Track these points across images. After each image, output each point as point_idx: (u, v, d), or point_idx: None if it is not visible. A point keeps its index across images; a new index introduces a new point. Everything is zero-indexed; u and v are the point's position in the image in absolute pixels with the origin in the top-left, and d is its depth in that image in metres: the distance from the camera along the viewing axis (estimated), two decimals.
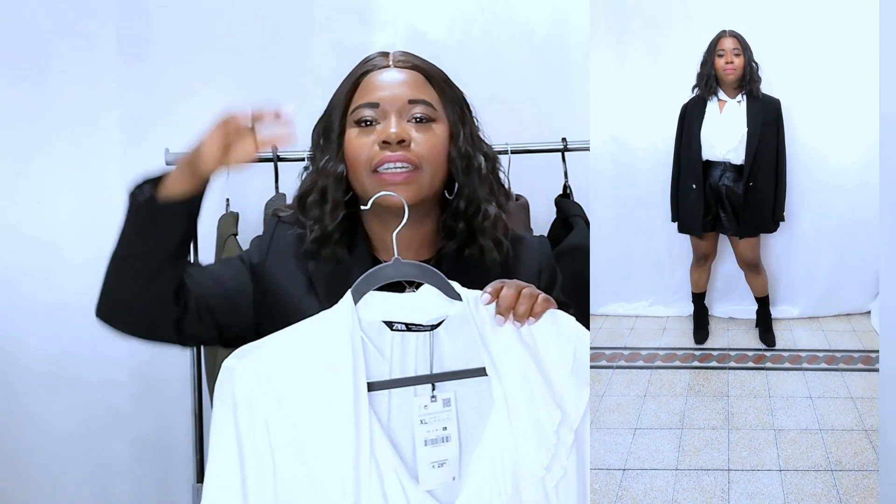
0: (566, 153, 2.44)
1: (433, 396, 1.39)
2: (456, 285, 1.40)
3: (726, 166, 2.43)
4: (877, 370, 2.27)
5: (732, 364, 2.42)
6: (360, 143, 1.56)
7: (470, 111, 1.66)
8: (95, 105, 2.67)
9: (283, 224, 1.64)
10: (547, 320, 1.41)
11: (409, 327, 1.40)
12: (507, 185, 1.70)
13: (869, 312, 2.55)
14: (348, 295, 1.37)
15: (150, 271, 1.42)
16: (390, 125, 1.55)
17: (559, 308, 1.43)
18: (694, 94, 2.44)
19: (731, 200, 2.43)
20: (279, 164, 2.35)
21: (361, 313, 1.38)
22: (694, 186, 2.43)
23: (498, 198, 1.64)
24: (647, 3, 2.47)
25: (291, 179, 1.74)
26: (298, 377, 1.32)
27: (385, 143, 1.53)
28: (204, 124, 2.57)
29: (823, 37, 2.39)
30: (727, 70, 2.38)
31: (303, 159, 1.72)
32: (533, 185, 2.46)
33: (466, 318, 1.38)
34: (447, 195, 1.62)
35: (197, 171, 1.40)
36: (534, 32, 2.76)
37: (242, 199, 2.43)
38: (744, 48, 2.38)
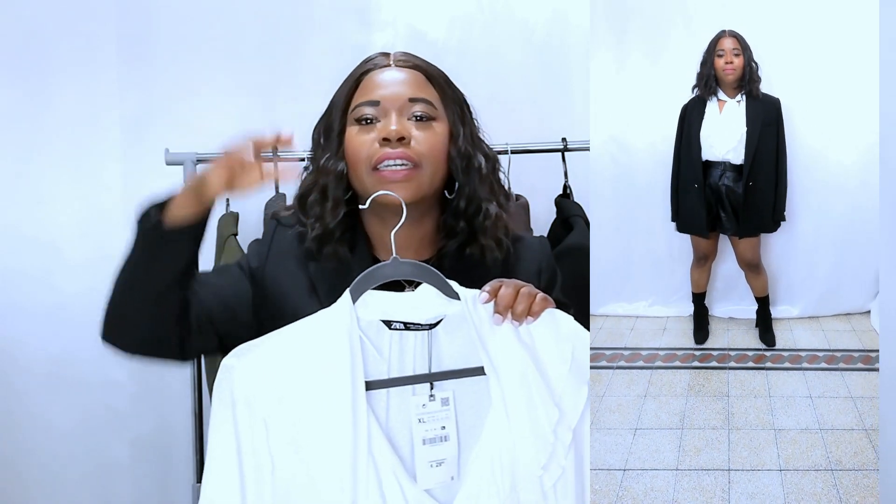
0: (566, 153, 2.44)
1: (431, 395, 1.39)
2: (454, 284, 1.40)
3: (726, 166, 2.43)
4: (876, 370, 2.28)
5: (732, 364, 2.42)
6: (360, 141, 1.56)
7: (470, 112, 1.66)
8: (95, 105, 2.67)
9: (282, 227, 1.64)
10: (545, 319, 1.41)
11: (408, 326, 1.40)
12: (507, 186, 1.70)
13: (869, 312, 2.55)
14: (347, 294, 1.37)
15: (158, 295, 1.43)
16: (391, 122, 1.55)
17: (558, 308, 1.44)
18: (694, 95, 2.44)
19: (730, 200, 2.43)
20: (279, 164, 2.35)
21: (360, 312, 1.38)
22: (696, 186, 2.43)
23: (498, 198, 1.64)
24: (647, 3, 2.47)
25: (291, 179, 1.73)
26: (297, 376, 1.32)
27: (385, 141, 1.53)
28: (204, 124, 2.60)
29: (823, 37, 2.39)
30: (727, 70, 2.38)
31: (303, 159, 1.73)
32: (533, 185, 2.46)
33: (465, 317, 1.39)
34: (447, 195, 1.62)
35: (202, 197, 1.41)
36: (534, 32, 2.76)
37: (242, 199, 2.43)
38: (743, 48, 2.38)
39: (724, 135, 2.41)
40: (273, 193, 2.35)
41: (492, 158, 1.65)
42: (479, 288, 1.41)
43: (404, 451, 1.38)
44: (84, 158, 2.68)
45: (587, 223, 2.31)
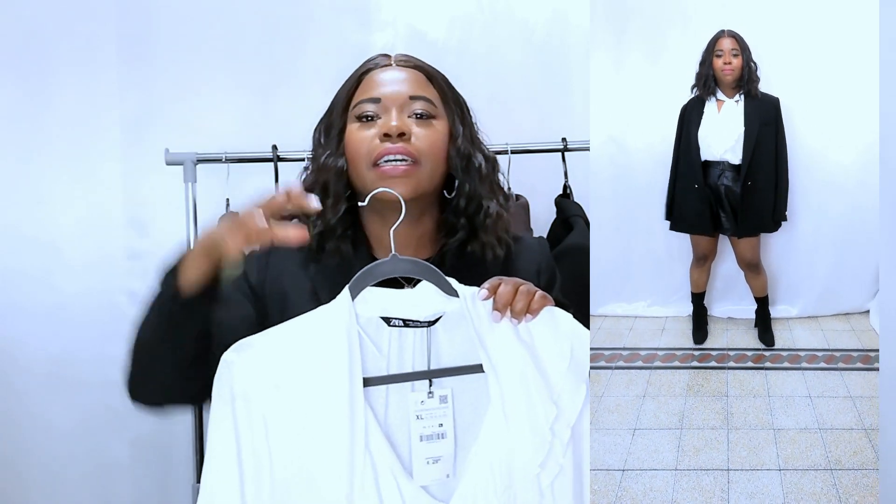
0: (566, 153, 2.44)
1: (430, 392, 1.39)
2: (453, 282, 1.40)
3: (725, 166, 2.44)
4: (876, 369, 2.28)
5: (731, 364, 2.42)
6: (360, 137, 1.57)
7: (469, 114, 1.67)
8: (95, 105, 2.67)
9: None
10: (544, 317, 1.41)
11: (407, 323, 1.40)
12: (505, 188, 1.71)
13: (868, 312, 2.55)
14: (346, 290, 1.38)
15: (181, 355, 1.41)
16: (391, 118, 1.56)
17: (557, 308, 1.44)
18: (693, 95, 2.44)
19: (729, 200, 2.43)
20: (279, 164, 2.36)
21: (359, 309, 1.38)
22: (696, 186, 2.43)
23: (498, 197, 1.65)
24: (647, 4, 2.48)
25: (291, 179, 1.74)
26: (295, 371, 1.32)
27: (386, 136, 1.54)
28: (204, 124, 2.60)
29: (823, 36, 2.39)
30: (725, 70, 2.39)
31: (302, 159, 1.73)
32: (533, 185, 2.46)
33: (464, 314, 1.39)
34: (446, 194, 1.62)
35: (216, 260, 1.38)
36: (534, 32, 2.76)
37: (242, 199, 2.43)
38: (742, 48, 2.38)
39: (722, 135, 2.41)
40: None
41: (491, 159, 1.66)
42: (479, 287, 1.41)
43: (402, 448, 1.38)
44: (84, 158, 2.68)
45: (587, 223, 2.31)
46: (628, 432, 2.15)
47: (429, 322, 1.41)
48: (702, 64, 2.42)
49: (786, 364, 2.41)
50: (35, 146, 2.67)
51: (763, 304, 2.51)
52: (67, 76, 2.67)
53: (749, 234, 2.46)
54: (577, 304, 1.57)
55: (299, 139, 1.72)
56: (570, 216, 2.36)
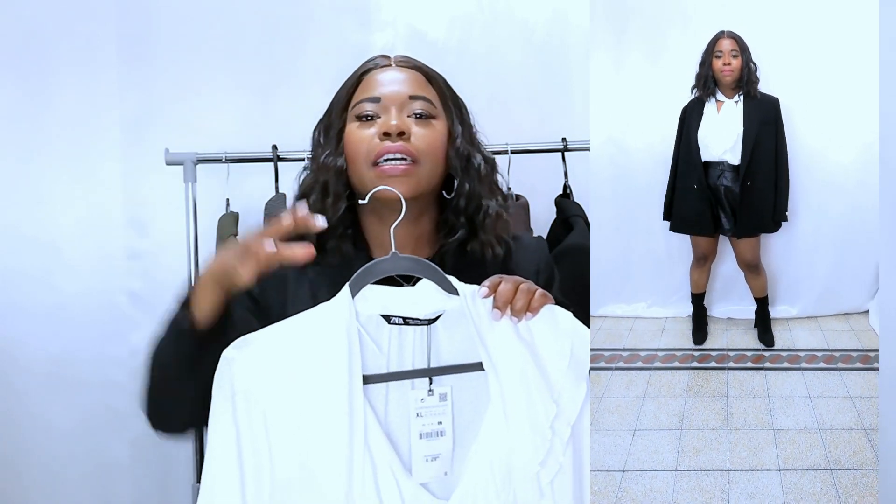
0: (566, 153, 2.44)
1: (430, 390, 1.39)
2: (453, 280, 1.41)
3: (724, 166, 2.44)
4: (875, 369, 2.28)
5: (731, 364, 2.42)
6: (360, 136, 1.57)
7: (468, 115, 1.67)
8: (95, 105, 2.67)
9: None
10: (544, 316, 1.41)
11: (407, 321, 1.40)
12: (504, 189, 1.71)
13: (867, 312, 2.55)
14: (346, 288, 1.38)
15: (200, 385, 1.39)
16: (391, 118, 1.56)
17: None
18: (693, 96, 2.45)
19: (729, 200, 2.44)
20: (279, 164, 2.36)
21: (359, 307, 1.38)
22: (695, 187, 2.43)
23: (497, 197, 1.65)
24: (647, 4, 2.48)
25: (291, 179, 1.74)
26: (296, 368, 1.32)
27: (385, 135, 1.54)
28: (204, 124, 2.60)
29: (822, 36, 2.39)
30: (724, 72, 2.39)
31: (302, 159, 1.73)
32: (533, 185, 2.46)
33: (464, 312, 1.39)
34: (445, 195, 1.62)
35: (228, 289, 1.39)
36: (534, 32, 2.76)
37: (242, 199, 2.44)
38: (742, 49, 2.38)
39: (722, 135, 2.41)
40: (273, 194, 2.35)
41: (490, 160, 1.67)
42: (479, 285, 1.42)
43: (402, 446, 1.38)
44: (84, 158, 2.68)
45: (587, 223, 2.31)
46: (628, 433, 2.15)
47: (429, 320, 1.41)
48: (701, 65, 2.42)
49: (785, 364, 2.41)
50: (35, 146, 2.67)
51: (763, 304, 2.52)
52: (67, 76, 2.66)
53: (748, 234, 2.46)
54: (578, 304, 1.57)
55: (299, 139, 1.72)
56: (570, 216, 2.36)
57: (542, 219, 2.44)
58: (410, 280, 1.45)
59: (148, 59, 2.68)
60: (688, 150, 2.43)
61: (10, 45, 2.65)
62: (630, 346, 2.47)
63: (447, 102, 1.63)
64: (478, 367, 1.39)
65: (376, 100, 1.59)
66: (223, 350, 1.37)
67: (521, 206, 2.37)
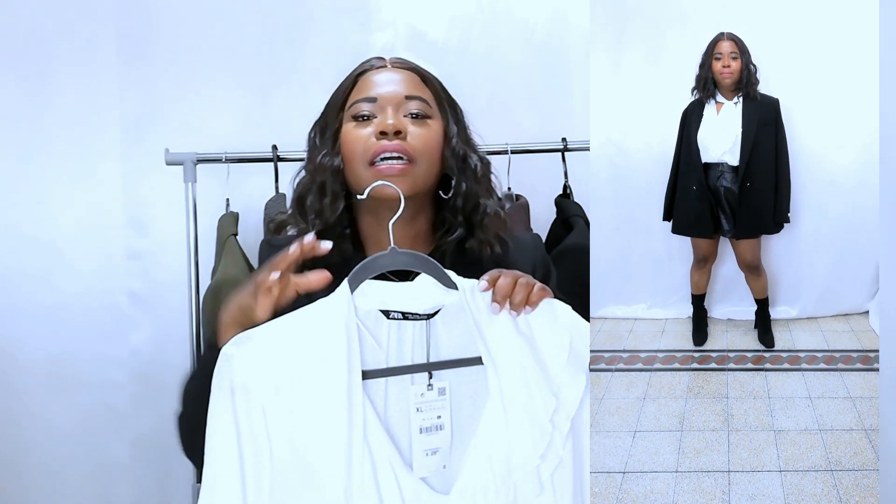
0: (566, 153, 2.44)
1: (430, 385, 1.39)
2: (452, 274, 1.41)
3: (724, 168, 2.44)
4: (875, 370, 2.28)
5: (731, 365, 2.42)
6: (356, 136, 1.58)
7: (463, 116, 1.68)
8: (95, 105, 2.66)
9: (275, 247, 1.66)
10: (543, 309, 1.41)
11: (406, 316, 1.40)
12: (498, 190, 1.71)
13: (867, 312, 2.55)
14: (345, 283, 1.38)
15: None
16: (387, 117, 1.57)
17: None
18: (693, 97, 2.45)
19: (729, 202, 2.44)
20: (279, 164, 2.36)
21: (358, 302, 1.38)
22: (694, 188, 2.43)
23: (493, 197, 1.65)
24: (647, 4, 2.48)
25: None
26: (295, 364, 1.32)
27: (382, 134, 1.55)
28: (204, 124, 2.60)
29: (822, 37, 2.40)
30: (724, 73, 2.39)
31: (302, 159, 1.73)
32: (533, 185, 2.46)
33: (463, 307, 1.39)
34: (442, 195, 1.63)
35: (246, 325, 1.39)
36: (534, 32, 2.76)
37: (242, 199, 2.44)
38: (741, 51, 2.38)
39: (721, 136, 2.41)
40: (273, 194, 2.35)
41: (485, 161, 1.67)
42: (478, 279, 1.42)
43: (402, 441, 1.38)
44: (84, 158, 2.67)
45: (587, 223, 2.31)
46: (629, 434, 2.15)
47: (428, 315, 1.41)
48: (701, 67, 2.43)
49: (786, 365, 2.41)
50: (35, 146, 2.66)
51: (763, 305, 2.52)
52: (67, 76, 2.66)
53: (748, 235, 2.46)
54: (578, 303, 1.57)
55: (299, 139, 1.72)
56: (570, 216, 2.36)
57: (542, 219, 2.44)
58: (408, 277, 1.45)
59: (148, 59, 2.68)
60: (688, 152, 2.44)
61: (10, 45, 2.65)
62: (630, 347, 2.48)
63: (442, 103, 1.64)
64: (477, 361, 1.39)
65: (373, 100, 1.59)
66: None
67: (521, 206, 2.37)
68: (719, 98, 2.42)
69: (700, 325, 2.55)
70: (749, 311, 2.56)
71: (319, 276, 1.36)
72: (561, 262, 1.97)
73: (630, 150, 2.54)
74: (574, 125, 2.48)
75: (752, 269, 2.50)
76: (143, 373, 2.69)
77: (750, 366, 2.42)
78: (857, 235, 2.47)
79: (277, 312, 1.38)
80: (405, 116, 1.58)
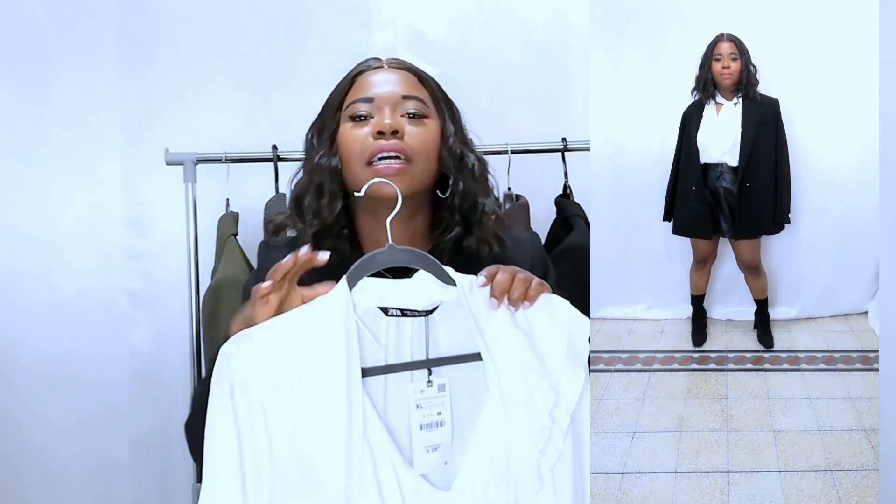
0: (566, 153, 2.44)
1: (429, 381, 1.39)
2: (450, 270, 1.41)
3: (724, 168, 2.44)
4: (875, 370, 2.28)
5: (731, 366, 2.42)
6: (354, 136, 1.58)
7: (460, 116, 1.68)
8: (95, 105, 2.67)
9: (273, 249, 1.66)
10: (541, 304, 1.41)
11: (405, 313, 1.41)
12: (495, 190, 1.72)
13: (866, 312, 2.55)
14: (343, 281, 1.38)
15: None
16: (384, 117, 1.57)
17: None
18: (693, 98, 2.45)
19: (728, 202, 2.43)
20: (279, 164, 2.36)
21: (356, 299, 1.38)
22: (693, 189, 2.43)
23: (490, 196, 1.66)
24: (646, 4, 2.48)
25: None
26: (294, 362, 1.32)
27: (379, 134, 1.55)
28: (204, 124, 2.60)
29: (822, 38, 2.40)
30: (724, 74, 2.39)
31: (303, 159, 1.73)
32: (533, 185, 2.46)
33: (461, 303, 1.39)
34: (440, 194, 1.63)
35: None
36: (534, 32, 2.76)
37: (242, 199, 2.44)
38: (741, 52, 2.38)
39: (720, 137, 2.41)
40: (273, 194, 2.36)
41: (482, 160, 1.68)
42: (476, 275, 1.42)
43: (402, 438, 1.38)
44: (84, 158, 2.68)
45: (587, 223, 2.31)
46: (628, 435, 2.15)
47: (426, 311, 1.41)
48: (701, 68, 2.43)
49: (785, 365, 2.41)
50: (35, 146, 2.67)
51: (763, 306, 2.52)
52: (67, 76, 2.66)
53: (747, 236, 2.46)
54: (578, 303, 1.57)
55: (299, 139, 1.72)
56: (570, 216, 2.36)
57: (542, 219, 2.44)
58: (404, 278, 1.45)
59: (148, 59, 2.68)
60: (688, 153, 2.43)
61: (10, 45, 2.65)
62: (629, 347, 2.48)
63: (439, 103, 1.65)
64: (476, 357, 1.39)
65: (370, 100, 1.60)
66: None
67: (521, 206, 2.37)
68: (719, 99, 2.42)
69: (699, 325, 2.55)
70: (748, 311, 2.55)
71: (328, 290, 1.36)
72: (561, 261, 1.97)
73: (630, 151, 2.54)
74: (574, 125, 2.48)
75: (752, 270, 2.50)
76: (143, 373, 2.70)
77: (749, 366, 2.42)
78: (857, 236, 2.47)
79: None
80: (402, 116, 1.59)
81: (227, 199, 2.41)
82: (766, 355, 2.45)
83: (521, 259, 1.66)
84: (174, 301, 2.57)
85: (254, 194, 2.42)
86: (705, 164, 2.44)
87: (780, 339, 2.50)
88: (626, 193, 2.54)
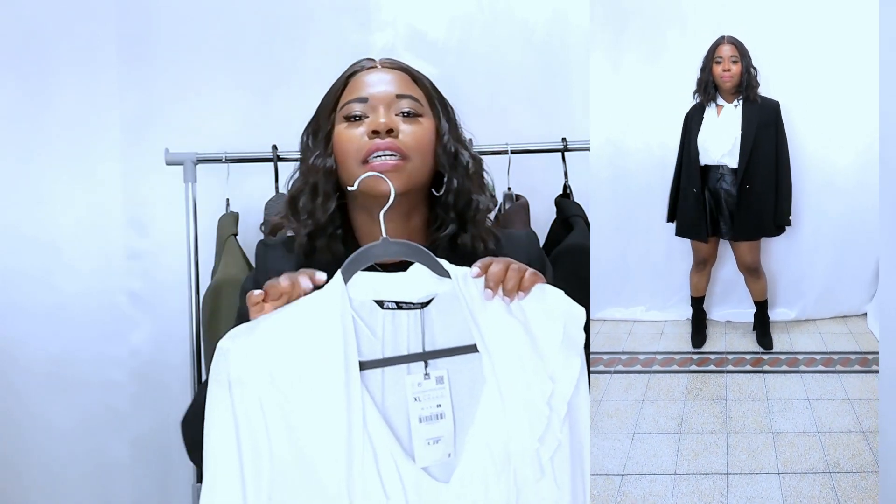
0: (566, 153, 2.44)
1: (426, 374, 1.39)
2: (444, 262, 1.41)
3: (724, 170, 2.44)
4: (874, 372, 2.28)
5: (730, 368, 2.42)
6: (349, 136, 1.59)
7: (454, 115, 1.69)
8: (95, 105, 2.67)
9: (270, 248, 1.67)
10: (536, 294, 1.41)
11: (400, 306, 1.41)
12: (491, 188, 1.72)
13: (865, 314, 2.55)
14: (338, 275, 1.38)
15: None
16: (379, 116, 1.58)
17: None
18: (695, 101, 2.45)
19: (728, 204, 2.43)
20: (279, 164, 2.36)
21: (352, 292, 1.38)
22: (694, 191, 2.43)
23: (485, 193, 1.67)
24: (646, 5, 2.47)
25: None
26: (291, 357, 1.32)
27: (374, 133, 1.56)
28: (204, 124, 2.60)
29: (822, 39, 2.39)
30: (724, 77, 2.39)
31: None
32: (533, 186, 2.46)
33: (456, 295, 1.39)
34: (435, 192, 1.64)
35: None
36: (534, 32, 2.76)
37: (242, 199, 2.44)
38: (742, 55, 2.38)
39: (721, 139, 2.41)
40: (273, 194, 2.36)
41: (477, 158, 1.69)
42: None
43: (401, 431, 1.38)
44: (84, 158, 2.68)
45: (587, 223, 2.31)
46: (627, 437, 2.15)
47: (422, 304, 1.41)
48: (702, 70, 2.43)
49: (784, 367, 2.41)
50: (35, 146, 2.67)
51: (762, 307, 2.52)
52: (67, 76, 2.67)
53: (747, 237, 2.46)
54: (579, 303, 1.58)
55: (299, 139, 1.72)
56: (570, 216, 2.36)
57: (542, 219, 2.44)
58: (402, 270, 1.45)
59: (148, 59, 2.68)
60: (689, 155, 2.44)
61: (10, 45, 2.65)
62: (629, 349, 2.48)
63: (433, 101, 1.66)
64: (472, 348, 1.39)
65: (364, 100, 1.60)
66: None
67: (521, 206, 2.37)
68: (720, 101, 2.42)
69: (699, 327, 2.55)
70: (748, 313, 2.55)
71: (310, 283, 1.37)
72: (561, 262, 1.97)
73: (630, 151, 2.53)
74: (574, 125, 2.49)
75: (752, 272, 2.50)
76: (143, 373, 2.70)
77: (748, 368, 2.42)
78: (857, 237, 2.47)
79: None
80: (397, 115, 1.60)
81: (227, 199, 2.41)
82: (766, 357, 2.45)
83: (517, 256, 1.66)
84: (174, 301, 2.57)
85: (254, 194, 2.42)
86: (706, 166, 2.44)
87: (779, 341, 2.50)
88: (626, 194, 2.53)
